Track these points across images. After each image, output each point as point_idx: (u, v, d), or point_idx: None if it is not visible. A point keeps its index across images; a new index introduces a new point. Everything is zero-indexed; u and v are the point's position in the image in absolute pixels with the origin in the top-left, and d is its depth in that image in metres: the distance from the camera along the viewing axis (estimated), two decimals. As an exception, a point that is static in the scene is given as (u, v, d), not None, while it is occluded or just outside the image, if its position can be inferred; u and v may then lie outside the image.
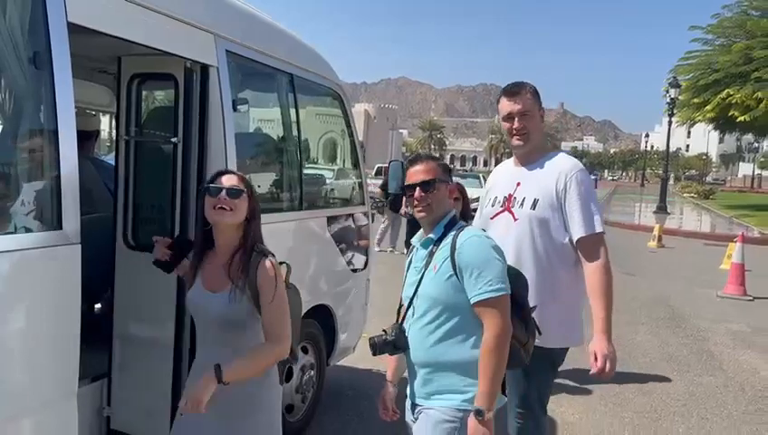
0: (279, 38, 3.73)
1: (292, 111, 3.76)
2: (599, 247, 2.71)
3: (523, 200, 2.78)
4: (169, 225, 3.01)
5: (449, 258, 2.21)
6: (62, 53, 2.19)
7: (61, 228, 2.20)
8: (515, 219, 2.79)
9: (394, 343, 2.34)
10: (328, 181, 4.76)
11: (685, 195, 47.71)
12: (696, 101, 29.30)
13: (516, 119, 2.79)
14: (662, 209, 25.68)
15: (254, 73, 3.51)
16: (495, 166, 3.69)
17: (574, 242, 2.73)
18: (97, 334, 3.30)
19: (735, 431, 4.71)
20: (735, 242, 10.45)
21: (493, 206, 2.89)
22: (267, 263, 2.41)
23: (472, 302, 2.15)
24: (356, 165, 4.71)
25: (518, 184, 2.84)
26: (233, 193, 2.38)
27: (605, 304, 2.65)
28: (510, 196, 2.84)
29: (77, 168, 2.24)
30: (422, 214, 2.30)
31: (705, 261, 13.59)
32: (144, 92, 3.16)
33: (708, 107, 28.38)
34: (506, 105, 2.82)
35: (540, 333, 2.47)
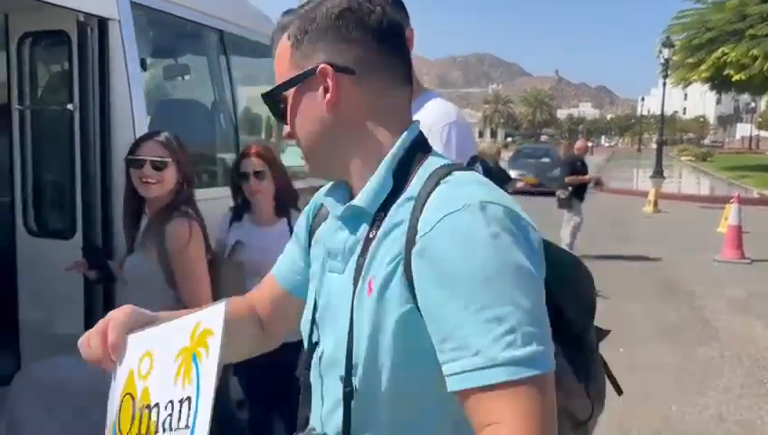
0: (204, -11, 3.28)
1: (224, 74, 3.33)
2: None
3: None
4: (71, 206, 2.61)
5: (402, 267, 0.91)
6: None
7: None
8: None
9: None
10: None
11: (682, 158, 47.23)
12: (690, 60, 28.70)
13: None
14: (658, 174, 25.26)
15: (171, 29, 3.09)
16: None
17: None
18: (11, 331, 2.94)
19: (732, 406, 4.37)
20: (732, 204, 10.07)
21: None
22: (180, 221, 2.30)
23: (460, 386, 0.84)
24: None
25: None
26: (157, 165, 2.31)
27: None
28: None
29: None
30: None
31: (702, 225, 13.22)
32: (37, 54, 2.74)
33: (703, 66, 27.81)
34: None
35: (619, 392, 1.26)
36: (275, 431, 2.97)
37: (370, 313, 0.92)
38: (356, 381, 0.94)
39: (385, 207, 0.97)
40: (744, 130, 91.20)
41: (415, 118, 1.26)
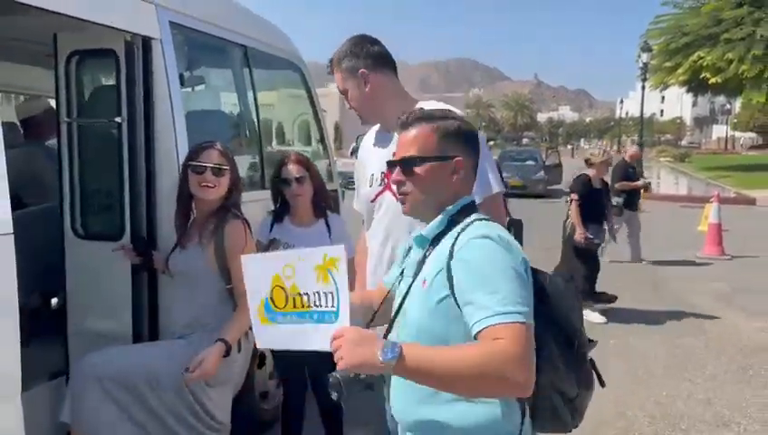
0: (229, 8, 3.53)
1: (248, 86, 3.57)
2: (498, 213, 2.21)
3: None
4: (119, 210, 2.84)
5: (444, 270, 1.53)
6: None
7: None
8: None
9: (367, 381, 1.53)
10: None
11: (661, 159, 48.10)
12: (668, 64, 29.42)
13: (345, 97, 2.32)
14: (639, 174, 25.77)
15: (203, 46, 3.32)
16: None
17: None
18: (57, 330, 3.14)
19: (719, 391, 4.68)
20: (711, 202, 10.47)
21: (371, 185, 2.32)
22: (236, 222, 2.59)
23: (473, 332, 1.42)
24: (322, 141, 4.54)
25: (394, 155, 2.24)
26: (216, 171, 2.58)
27: None
28: (389, 171, 2.14)
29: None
30: (402, 206, 1.72)
31: (683, 223, 13.64)
32: (84, 71, 2.95)
33: (680, 70, 28.53)
34: None
35: (602, 384, 1.75)
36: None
37: (422, 297, 1.56)
38: (404, 332, 1.60)
39: (438, 238, 1.62)
40: (719, 131, 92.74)
41: None
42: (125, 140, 2.78)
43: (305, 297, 1.52)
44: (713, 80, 26.86)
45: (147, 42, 2.81)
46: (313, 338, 1.51)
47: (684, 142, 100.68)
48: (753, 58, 25.36)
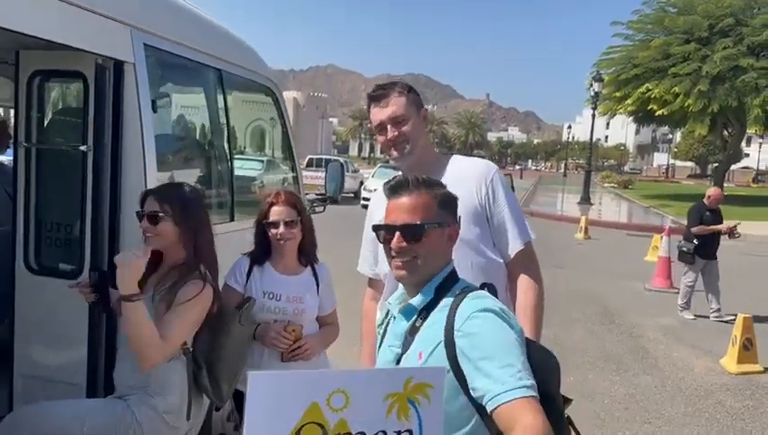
0: (206, 30, 3.34)
1: (222, 111, 3.39)
2: (534, 257, 2.32)
3: None
4: (79, 245, 2.61)
5: (443, 344, 1.55)
6: None
7: None
8: None
9: None
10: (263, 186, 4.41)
11: (605, 185, 49.50)
12: (617, 94, 30.34)
13: (389, 127, 2.29)
14: (586, 200, 26.42)
15: (177, 70, 3.12)
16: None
17: (511, 256, 2.27)
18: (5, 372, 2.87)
19: None
20: (662, 236, 10.72)
21: None
22: (195, 284, 2.33)
23: (495, 404, 1.43)
24: (293, 168, 4.38)
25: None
26: (152, 219, 2.36)
27: (538, 325, 2.20)
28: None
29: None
30: (401, 272, 1.66)
31: (630, 252, 13.96)
32: (48, 92, 2.72)
33: (629, 101, 29.46)
34: (375, 113, 2.34)
35: None
36: None
37: None
38: None
39: (428, 309, 1.65)
40: (660, 158, 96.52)
41: (465, 170, 2.32)
42: (89, 170, 2.55)
43: None
44: (659, 112, 27.83)
45: (119, 65, 2.60)
46: None
47: (626, 168, 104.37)
48: (699, 93, 26.41)
